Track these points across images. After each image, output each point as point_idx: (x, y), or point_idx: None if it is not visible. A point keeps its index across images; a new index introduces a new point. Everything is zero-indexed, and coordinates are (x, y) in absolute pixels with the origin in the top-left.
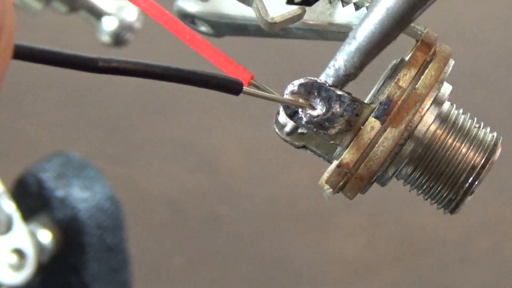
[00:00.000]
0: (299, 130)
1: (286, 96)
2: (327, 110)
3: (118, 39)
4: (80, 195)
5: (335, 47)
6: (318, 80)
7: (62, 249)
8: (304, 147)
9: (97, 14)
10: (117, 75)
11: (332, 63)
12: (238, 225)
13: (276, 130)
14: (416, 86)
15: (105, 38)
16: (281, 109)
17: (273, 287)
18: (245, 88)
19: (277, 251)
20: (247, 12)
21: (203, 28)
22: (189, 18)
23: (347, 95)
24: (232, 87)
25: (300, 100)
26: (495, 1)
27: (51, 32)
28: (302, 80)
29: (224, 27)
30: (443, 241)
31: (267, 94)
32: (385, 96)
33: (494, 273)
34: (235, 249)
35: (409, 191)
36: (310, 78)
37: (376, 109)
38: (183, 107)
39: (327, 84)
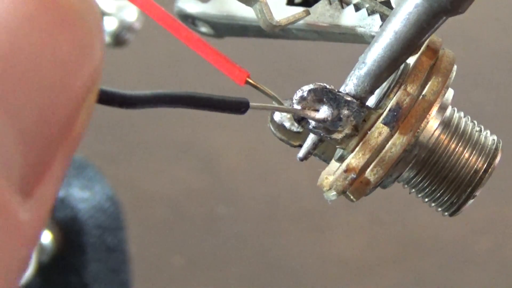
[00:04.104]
0: (295, 129)
1: (295, 101)
2: (336, 116)
3: (118, 39)
4: (80, 195)
5: (335, 47)
6: (328, 86)
7: (62, 249)
8: (300, 146)
9: None
10: (140, 108)
11: (342, 87)
12: (238, 225)
13: (272, 129)
14: (424, 92)
15: (105, 38)
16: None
17: (273, 287)
18: (251, 104)
19: (277, 251)
20: (247, 13)
21: (204, 29)
22: (189, 19)
23: (355, 101)
24: (238, 107)
25: (308, 107)
26: (495, 1)
27: None
28: (311, 86)
29: (224, 28)
30: (443, 241)
31: (272, 106)
32: (394, 102)
33: (494, 273)
34: (235, 249)
35: (409, 193)
36: (319, 84)
37: (385, 115)
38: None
39: (336, 90)
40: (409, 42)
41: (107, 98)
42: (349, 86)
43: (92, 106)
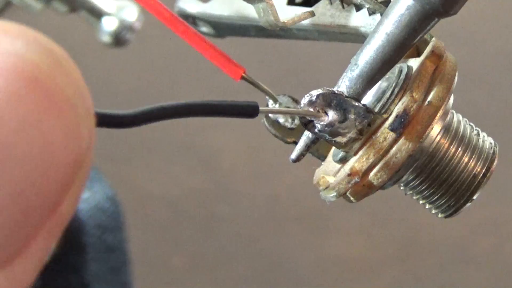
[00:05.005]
0: (289, 126)
1: (303, 105)
2: (343, 120)
3: (118, 39)
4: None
5: (335, 47)
6: (336, 91)
7: (62, 249)
8: (294, 142)
9: (97, 14)
10: (144, 124)
11: (335, 89)
12: (238, 225)
13: (266, 125)
14: (430, 99)
15: (105, 38)
16: (270, 102)
17: (273, 287)
18: (261, 108)
19: (277, 251)
20: (248, 13)
21: (205, 29)
22: (190, 19)
23: (362, 106)
24: (248, 111)
25: (315, 110)
26: (494, 1)
27: (51, 32)
28: (320, 91)
29: (225, 28)
30: (443, 241)
31: (282, 109)
32: (401, 109)
33: (494, 273)
34: (235, 249)
35: (405, 194)
36: (327, 88)
37: (392, 121)
38: None
39: (344, 95)
40: (401, 44)
41: (111, 121)
42: (342, 87)
43: (79, 189)
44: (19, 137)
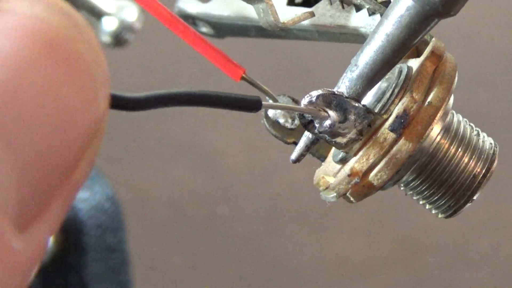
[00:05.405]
0: (289, 126)
1: (303, 106)
2: (343, 121)
3: (118, 39)
4: (80, 195)
5: (335, 47)
6: (336, 92)
7: (62, 249)
8: (294, 143)
9: (97, 14)
10: (147, 109)
11: (335, 90)
12: (238, 225)
13: (266, 125)
14: (430, 99)
15: (105, 38)
16: (270, 102)
17: (273, 287)
18: (264, 103)
19: (277, 251)
20: (248, 13)
21: (204, 29)
22: (190, 20)
23: (362, 106)
24: (250, 105)
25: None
26: (494, 1)
27: None
28: (320, 91)
29: (225, 28)
30: (443, 241)
31: (285, 105)
32: (401, 109)
33: (494, 273)
34: (235, 249)
35: (405, 195)
36: (327, 89)
37: (392, 122)
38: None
39: (344, 96)
40: (401, 45)
41: (117, 103)
42: (342, 88)
43: (93, 155)
44: (40, 101)
